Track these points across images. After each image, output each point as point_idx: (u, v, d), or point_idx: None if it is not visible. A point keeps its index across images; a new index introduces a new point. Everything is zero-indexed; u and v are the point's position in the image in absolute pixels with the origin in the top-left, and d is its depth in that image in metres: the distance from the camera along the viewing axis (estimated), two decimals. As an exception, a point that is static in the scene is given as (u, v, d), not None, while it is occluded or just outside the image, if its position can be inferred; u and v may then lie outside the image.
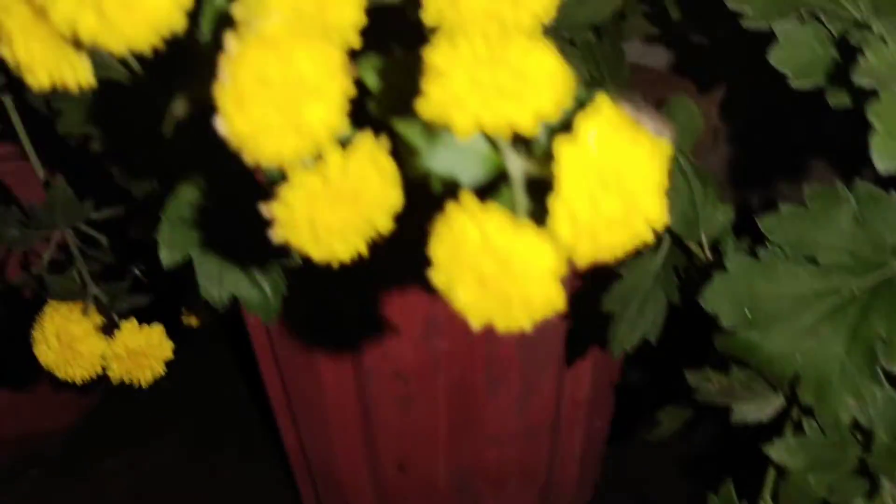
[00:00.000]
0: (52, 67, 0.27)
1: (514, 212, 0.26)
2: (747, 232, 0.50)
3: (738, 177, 0.52)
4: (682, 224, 0.50)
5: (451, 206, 0.25)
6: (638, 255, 0.54)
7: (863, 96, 0.34)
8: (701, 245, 0.50)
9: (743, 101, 0.51)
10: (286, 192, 0.27)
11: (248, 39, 0.25)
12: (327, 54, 0.25)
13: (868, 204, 0.41)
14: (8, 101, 0.56)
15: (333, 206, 0.28)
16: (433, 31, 0.28)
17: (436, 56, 0.24)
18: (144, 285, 0.61)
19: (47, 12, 0.24)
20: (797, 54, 0.40)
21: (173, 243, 0.42)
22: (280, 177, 0.27)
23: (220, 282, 0.43)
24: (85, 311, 0.55)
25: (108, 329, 0.56)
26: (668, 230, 0.51)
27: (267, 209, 0.28)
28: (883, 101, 0.33)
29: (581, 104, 0.25)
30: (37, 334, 0.53)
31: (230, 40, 0.25)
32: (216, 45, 0.27)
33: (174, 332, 0.56)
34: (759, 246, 0.43)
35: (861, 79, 0.34)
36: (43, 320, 0.53)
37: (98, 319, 0.56)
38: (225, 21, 0.27)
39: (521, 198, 0.26)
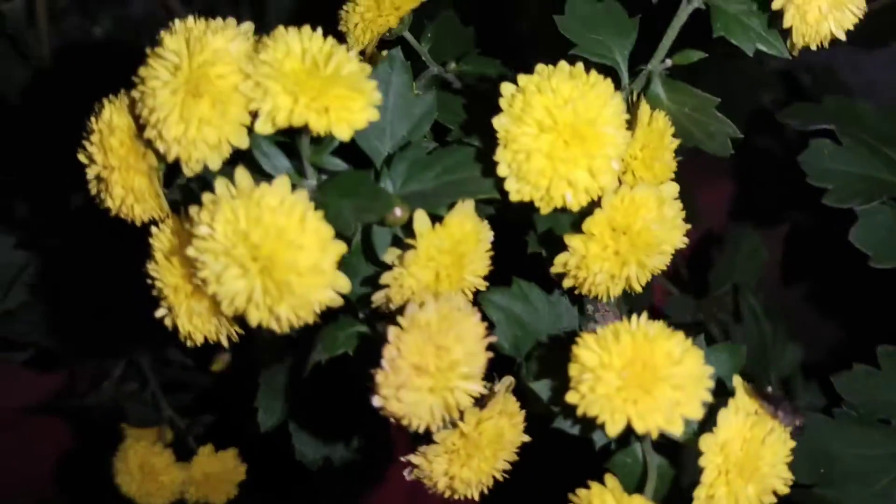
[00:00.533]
0: (210, 333, 0.28)
1: (643, 491, 0.27)
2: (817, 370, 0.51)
3: (808, 314, 0.53)
4: (751, 361, 0.52)
5: (595, 486, 0.26)
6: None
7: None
8: (772, 381, 0.52)
9: (808, 238, 0.53)
10: (427, 450, 0.29)
11: (406, 330, 0.26)
12: (475, 332, 0.27)
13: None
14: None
15: (468, 459, 0.29)
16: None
17: (584, 354, 0.26)
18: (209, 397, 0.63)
19: (217, 304, 0.26)
20: (877, 236, 0.41)
21: (271, 410, 0.43)
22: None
23: (314, 446, 0.44)
24: (161, 438, 0.56)
25: (184, 452, 0.57)
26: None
27: (406, 459, 0.30)
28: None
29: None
30: (119, 465, 0.54)
31: (391, 331, 0.26)
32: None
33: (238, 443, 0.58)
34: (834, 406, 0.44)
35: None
36: (126, 453, 0.54)
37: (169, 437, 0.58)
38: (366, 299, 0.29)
39: (652, 482, 0.27)
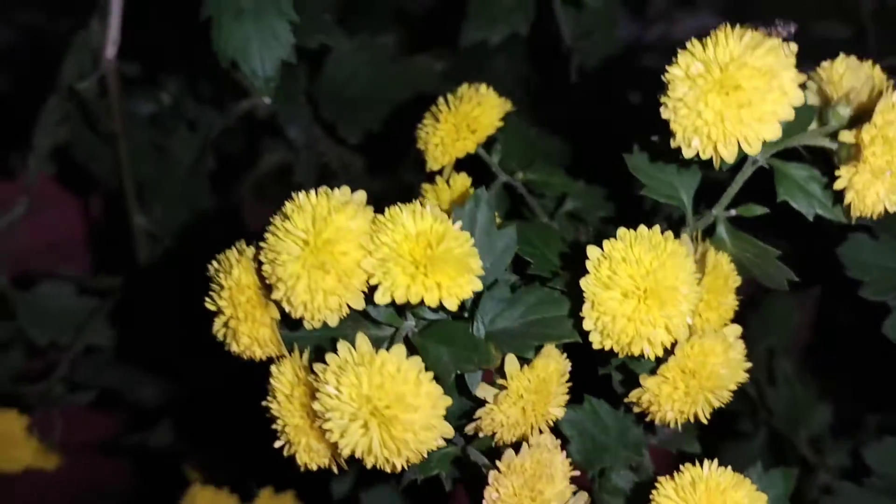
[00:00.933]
0: (323, 464, 0.31)
1: None
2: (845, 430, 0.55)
3: (837, 375, 0.57)
4: (783, 422, 0.55)
5: None
6: (737, 438, 0.59)
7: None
8: (802, 440, 0.55)
9: (839, 304, 0.56)
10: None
11: (504, 474, 0.29)
12: (563, 471, 0.30)
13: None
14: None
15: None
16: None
17: (664, 502, 0.29)
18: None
19: (336, 448, 0.29)
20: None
21: (342, 481, 0.47)
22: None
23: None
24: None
25: (245, 493, 0.61)
26: (770, 424, 0.56)
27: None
28: None
29: None
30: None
31: (491, 474, 0.29)
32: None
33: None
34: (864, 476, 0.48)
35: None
36: (195, 499, 0.58)
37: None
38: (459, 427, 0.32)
39: None
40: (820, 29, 0.77)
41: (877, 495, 0.48)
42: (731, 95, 0.27)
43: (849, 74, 0.32)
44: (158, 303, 0.61)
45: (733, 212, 0.33)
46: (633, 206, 0.41)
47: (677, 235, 0.33)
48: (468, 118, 0.38)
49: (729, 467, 0.30)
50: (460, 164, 0.39)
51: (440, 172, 0.39)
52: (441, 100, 0.39)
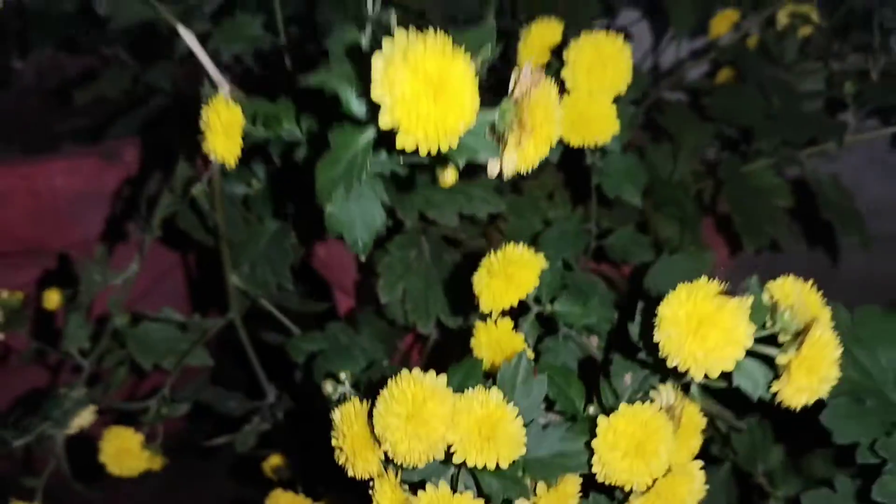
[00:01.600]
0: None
1: None
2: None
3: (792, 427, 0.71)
4: (745, 459, 0.70)
5: None
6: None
7: None
8: (759, 474, 0.70)
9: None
10: None
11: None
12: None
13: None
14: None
15: None
16: None
17: None
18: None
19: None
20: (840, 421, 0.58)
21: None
22: None
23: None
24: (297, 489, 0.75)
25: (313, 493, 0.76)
26: (733, 461, 0.70)
27: None
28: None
29: None
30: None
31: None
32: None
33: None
34: None
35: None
36: (277, 500, 0.73)
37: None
38: None
39: None
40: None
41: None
42: (703, 343, 0.41)
43: (793, 292, 0.45)
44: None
45: (703, 381, 0.47)
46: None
47: (664, 382, 0.47)
48: (514, 277, 0.51)
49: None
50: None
51: (490, 314, 0.53)
52: (492, 256, 0.52)
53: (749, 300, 0.42)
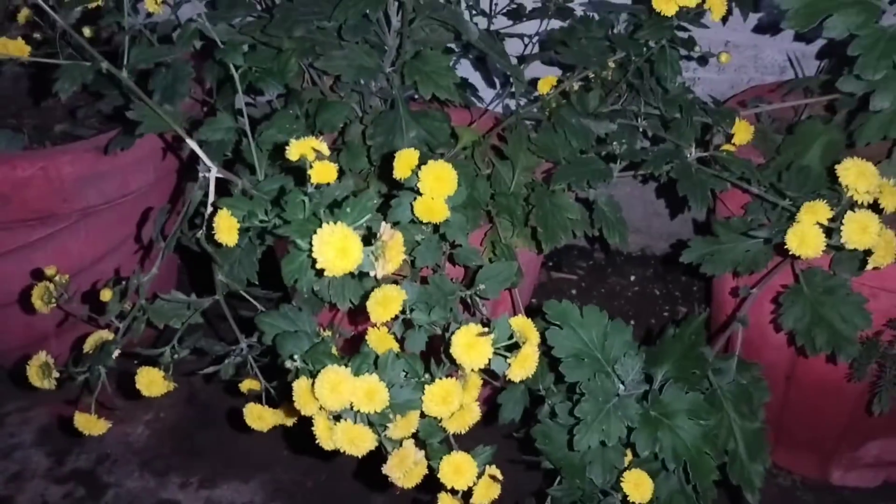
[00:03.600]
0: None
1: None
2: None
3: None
4: (530, 381, 1.17)
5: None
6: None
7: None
8: (542, 388, 1.18)
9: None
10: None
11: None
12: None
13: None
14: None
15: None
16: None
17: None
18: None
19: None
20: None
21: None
22: None
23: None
24: (263, 398, 1.21)
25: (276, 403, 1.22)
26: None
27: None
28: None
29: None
30: (248, 415, 1.19)
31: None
32: None
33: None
34: None
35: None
36: (251, 410, 1.18)
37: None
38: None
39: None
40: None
41: (558, 427, 1.13)
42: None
43: (521, 325, 0.91)
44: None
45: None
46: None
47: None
48: (388, 303, 0.95)
49: (468, 454, 0.92)
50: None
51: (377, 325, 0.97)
52: (376, 292, 0.96)
53: (493, 334, 0.88)
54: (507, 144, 1.35)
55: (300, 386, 0.90)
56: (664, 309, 1.91)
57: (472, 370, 0.89)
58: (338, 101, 1.24)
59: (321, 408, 0.89)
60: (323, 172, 0.87)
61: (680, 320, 1.16)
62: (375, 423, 0.90)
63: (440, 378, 0.90)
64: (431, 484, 0.95)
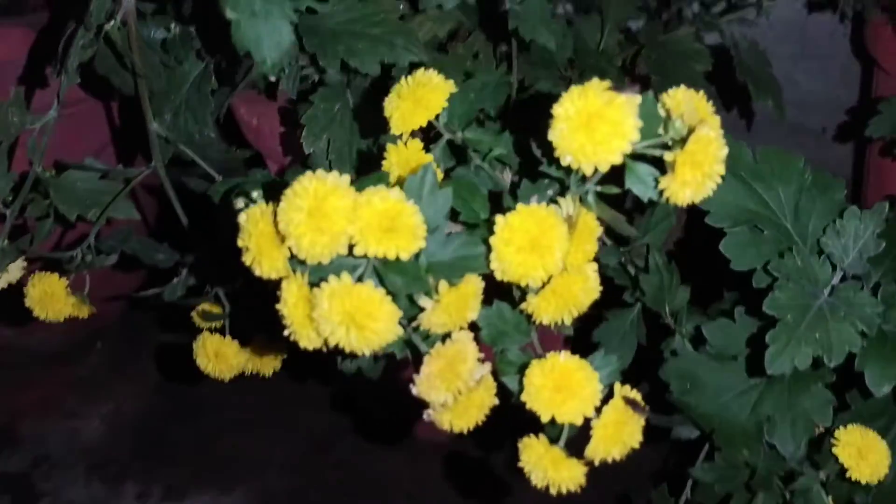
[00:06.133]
0: (315, 346, 0.48)
1: (559, 442, 0.49)
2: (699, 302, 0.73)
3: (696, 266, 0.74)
4: (652, 300, 0.73)
5: (532, 438, 0.48)
6: (619, 308, 0.77)
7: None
8: (666, 313, 0.73)
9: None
10: (438, 409, 0.50)
11: (434, 357, 0.46)
12: (473, 354, 0.47)
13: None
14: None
15: (463, 412, 0.50)
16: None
17: (534, 377, 0.46)
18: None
19: (325, 338, 0.45)
20: (738, 249, 0.61)
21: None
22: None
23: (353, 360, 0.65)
24: (225, 333, 0.77)
25: (242, 338, 0.78)
26: (642, 301, 0.74)
27: (426, 414, 0.51)
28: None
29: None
30: (199, 350, 0.75)
31: (426, 357, 0.46)
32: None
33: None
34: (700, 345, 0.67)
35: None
36: (204, 343, 0.75)
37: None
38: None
39: (564, 436, 0.49)
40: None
41: (708, 358, 0.67)
42: (591, 136, 0.42)
43: (685, 101, 0.47)
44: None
45: (599, 188, 0.49)
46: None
47: (563, 195, 0.49)
48: (423, 99, 0.52)
49: (577, 355, 0.47)
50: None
51: (401, 136, 0.54)
52: (403, 81, 0.53)
53: (637, 98, 0.44)
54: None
55: (252, 216, 0.47)
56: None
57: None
58: None
59: (292, 256, 0.45)
60: None
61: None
62: (398, 291, 0.46)
63: (520, 206, 0.46)
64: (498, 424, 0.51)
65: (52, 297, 0.73)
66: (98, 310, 0.77)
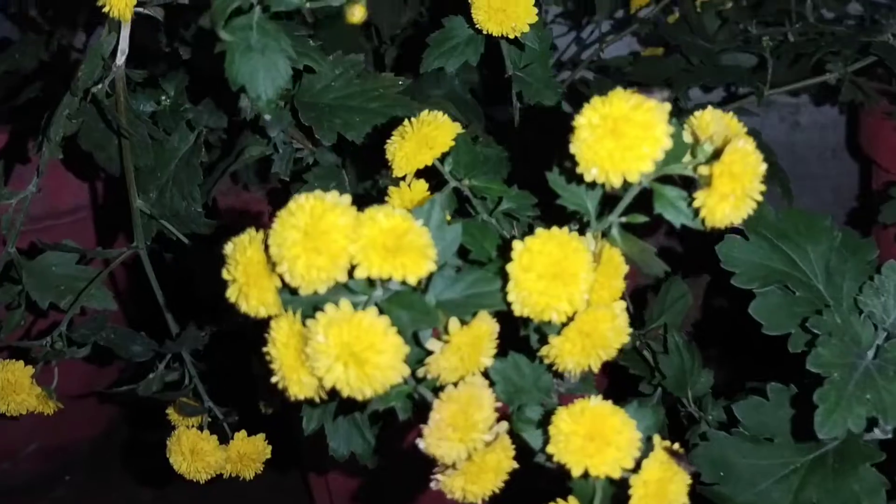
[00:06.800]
0: (308, 395, 0.42)
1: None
2: (724, 391, 0.67)
3: (718, 347, 0.69)
4: (673, 384, 0.67)
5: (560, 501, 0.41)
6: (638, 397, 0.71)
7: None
8: (689, 400, 0.67)
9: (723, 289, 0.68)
10: (450, 472, 0.43)
11: (445, 402, 0.40)
12: (489, 401, 0.41)
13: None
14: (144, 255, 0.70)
15: (477, 478, 0.43)
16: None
17: (561, 423, 0.40)
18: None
19: (321, 381, 0.39)
20: (769, 311, 0.56)
21: (312, 418, 0.57)
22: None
23: (345, 442, 0.59)
24: (203, 426, 0.70)
25: (221, 435, 0.71)
26: (663, 386, 0.68)
27: (434, 477, 0.44)
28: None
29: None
30: (173, 447, 0.68)
31: (435, 402, 0.40)
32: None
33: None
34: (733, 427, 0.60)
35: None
36: (179, 438, 0.67)
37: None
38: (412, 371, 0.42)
39: (598, 498, 0.42)
40: (730, 59, 0.90)
41: (742, 440, 0.60)
42: (619, 141, 0.39)
43: (713, 122, 0.43)
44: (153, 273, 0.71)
45: (624, 219, 0.45)
46: (554, 210, 0.52)
47: (583, 234, 0.44)
48: (427, 138, 0.49)
49: (609, 400, 0.41)
50: (420, 173, 0.50)
51: (404, 178, 0.50)
52: (406, 122, 0.50)
53: (667, 104, 0.40)
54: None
55: (240, 243, 0.42)
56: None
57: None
58: None
59: (284, 285, 0.40)
60: None
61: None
62: (403, 328, 0.40)
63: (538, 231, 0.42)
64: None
65: (14, 387, 0.66)
66: (67, 437, 0.70)
